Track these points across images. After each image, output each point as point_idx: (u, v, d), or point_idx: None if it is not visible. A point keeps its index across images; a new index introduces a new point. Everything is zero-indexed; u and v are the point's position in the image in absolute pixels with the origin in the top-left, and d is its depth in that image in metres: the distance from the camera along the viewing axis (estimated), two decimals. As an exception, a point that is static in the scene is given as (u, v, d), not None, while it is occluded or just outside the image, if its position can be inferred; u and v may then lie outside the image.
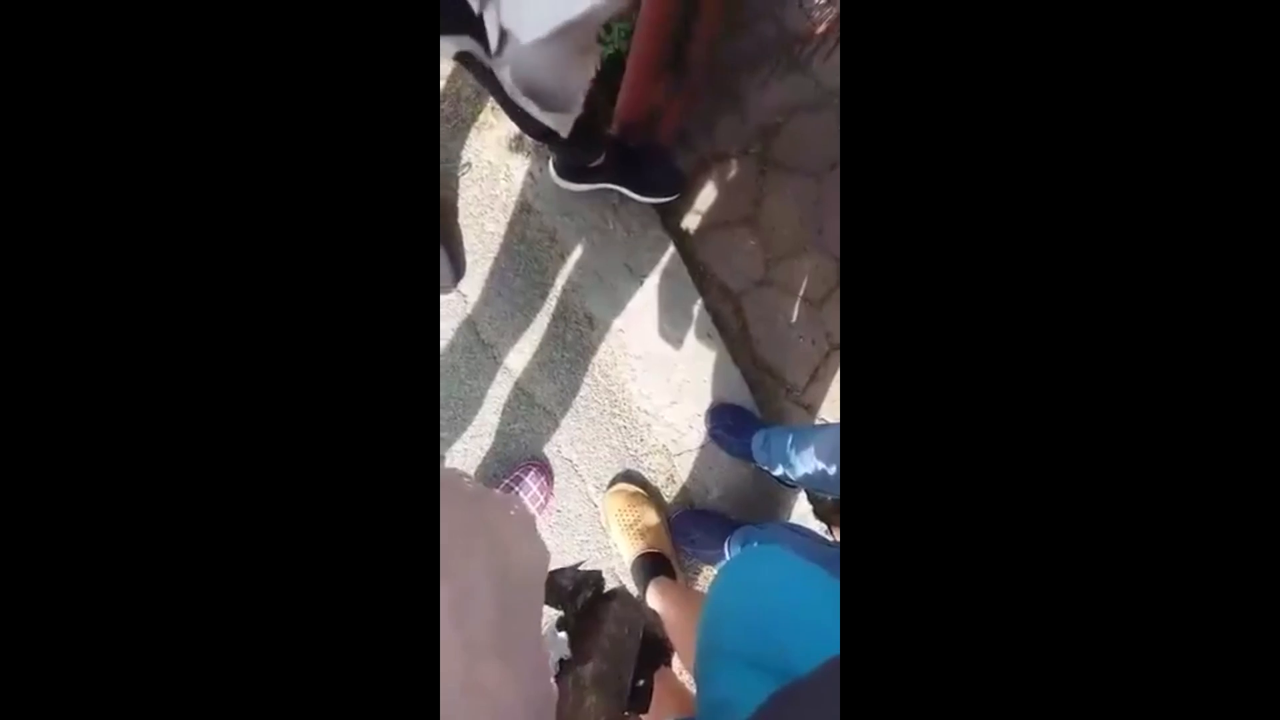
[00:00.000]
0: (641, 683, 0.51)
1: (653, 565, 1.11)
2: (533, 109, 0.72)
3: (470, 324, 1.25)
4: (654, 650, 0.56)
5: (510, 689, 0.35)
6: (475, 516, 0.40)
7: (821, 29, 1.29)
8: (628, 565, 1.15)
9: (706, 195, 1.30)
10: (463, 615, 0.34)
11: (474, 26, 0.63)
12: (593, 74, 0.73)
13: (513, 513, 0.45)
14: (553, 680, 0.44)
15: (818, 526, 1.20)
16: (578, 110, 0.78)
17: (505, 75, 0.68)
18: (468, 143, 1.27)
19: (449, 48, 0.68)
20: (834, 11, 1.29)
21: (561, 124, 0.78)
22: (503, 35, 0.62)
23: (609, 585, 0.57)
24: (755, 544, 0.86)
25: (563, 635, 0.51)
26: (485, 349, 1.25)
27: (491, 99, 1.19)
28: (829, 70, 1.29)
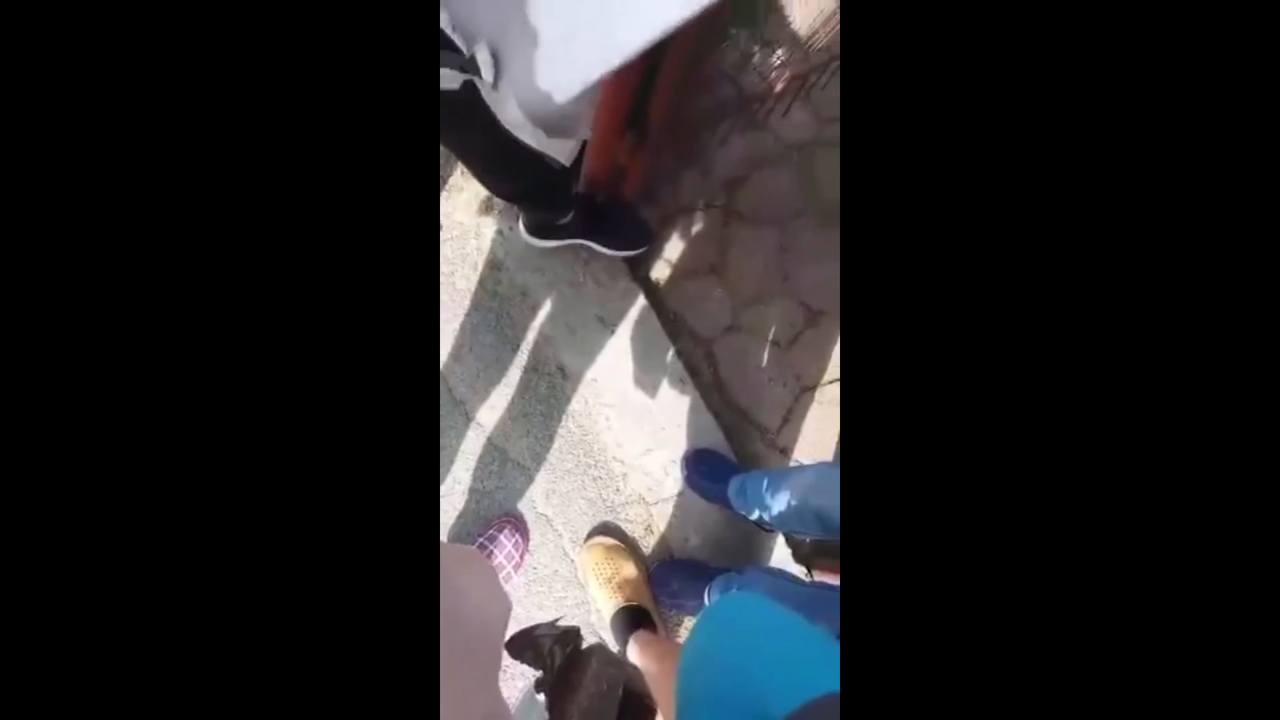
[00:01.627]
0: (623, 743, 0.50)
1: (633, 618, 1.08)
2: (539, 138, 0.72)
3: (442, 380, 1.25)
4: (635, 708, 0.54)
5: None
6: None
7: (778, 88, 1.37)
8: (607, 620, 1.12)
9: (674, 246, 1.33)
10: None
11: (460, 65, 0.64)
12: (596, 98, 0.73)
13: (471, 563, 0.45)
14: None
15: (797, 571, 1.19)
16: (585, 134, 0.78)
17: (510, 107, 0.68)
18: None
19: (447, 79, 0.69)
20: (788, 72, 1.36)
21: (564, 150, 0.79)
22: (498, 69, 0.63)
23: (588, 641, 0.56)
24: (734, 589, 0.85)
25: (541, 697, 0.49)
26: (457, 406, 1.24)
27: (460, 164, 1.22)
28: (787, 126, 1.36)
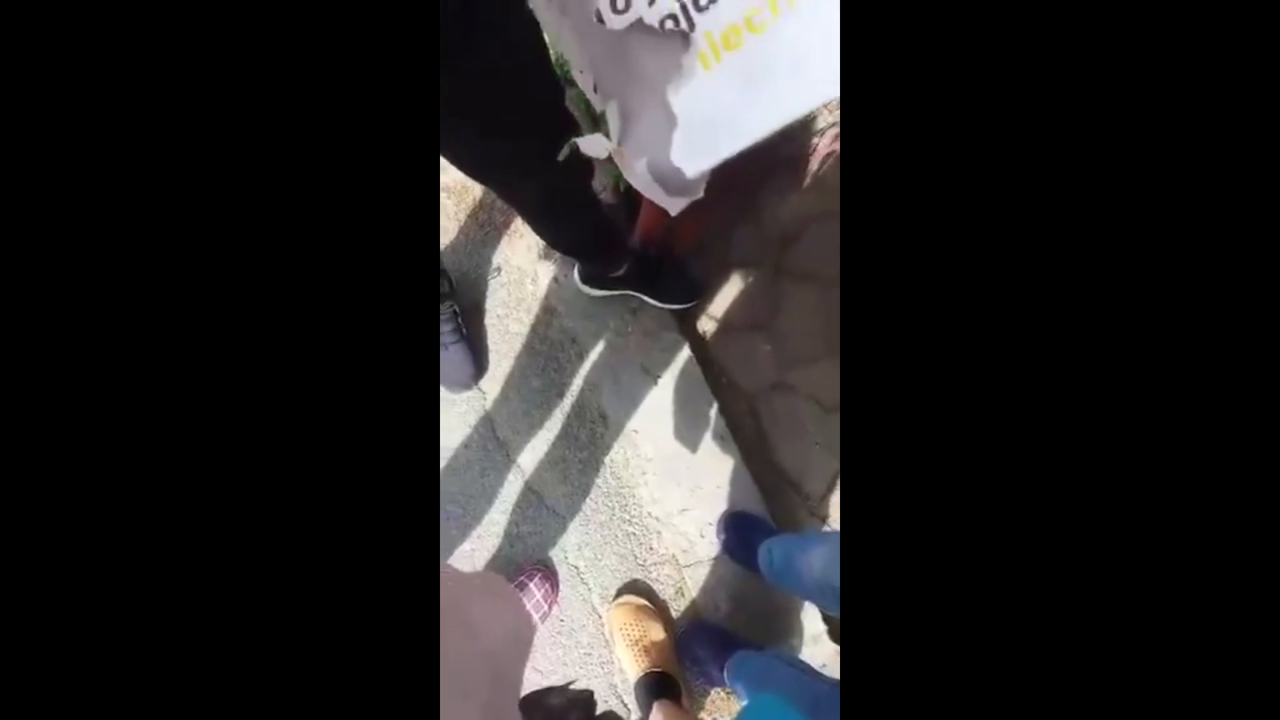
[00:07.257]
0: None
1: (657, 685, 1.05)
2: (657, 192, 0.78)
3: (487, 420, 1.27)
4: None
5: None
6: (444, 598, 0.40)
7: (835, 146, 1.35)
8: (631, 684, 1.09)
9: (723, 300, 1.33)
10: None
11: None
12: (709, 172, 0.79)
13: (492, 591, 0.44)
14: None
15: (832, 649, 1.13)
16: (702, 193, 0.84)
17: (640, 165, 0.73)
18: (499, 249, 1.34)
19: (597, 147, 0.73)
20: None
21: (676, 206, 0.84)
22: (624, 130, 0.68)
23: (608, 704, 0.55)
24: (751, 674, 0.81)
25: None
26: (499, 446, 1.26)
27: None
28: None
